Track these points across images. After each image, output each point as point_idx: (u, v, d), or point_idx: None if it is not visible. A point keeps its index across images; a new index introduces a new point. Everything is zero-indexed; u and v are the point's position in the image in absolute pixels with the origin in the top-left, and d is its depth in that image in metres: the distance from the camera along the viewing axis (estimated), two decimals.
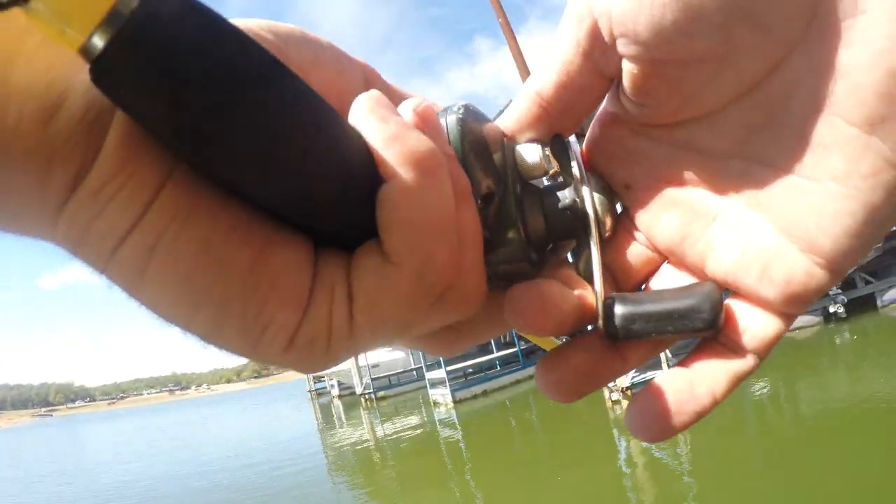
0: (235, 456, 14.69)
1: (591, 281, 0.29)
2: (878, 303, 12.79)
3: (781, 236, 0.27)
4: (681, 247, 0.31)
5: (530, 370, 17.88)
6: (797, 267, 0.26)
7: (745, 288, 0.29)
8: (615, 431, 8.75)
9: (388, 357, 26.41)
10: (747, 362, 0.29)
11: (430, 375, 17.28)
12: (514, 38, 10.57)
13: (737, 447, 6.51)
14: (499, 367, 17.97)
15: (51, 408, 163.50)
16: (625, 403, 9.41)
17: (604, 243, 0.31)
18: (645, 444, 7.47)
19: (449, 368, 15.90)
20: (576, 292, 0.29)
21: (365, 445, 13.29)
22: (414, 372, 25.63)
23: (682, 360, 0.31)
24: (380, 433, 14.28)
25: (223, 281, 0.23)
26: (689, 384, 0.29)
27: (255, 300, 0.23)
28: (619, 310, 0.28)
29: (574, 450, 8.41)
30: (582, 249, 0.31)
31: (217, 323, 0.23)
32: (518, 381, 17.32)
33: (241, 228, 0.23)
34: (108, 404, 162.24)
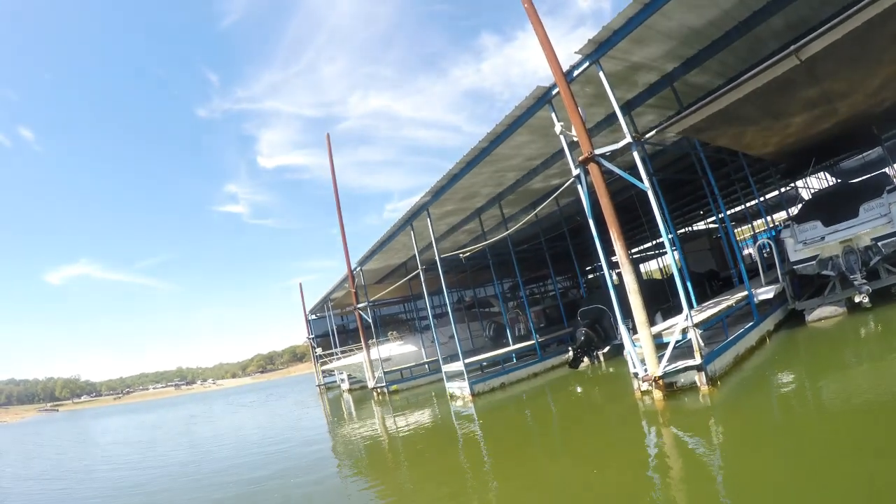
0: (242, 450, 14.67)
1: None
2: None
3: None
4: None
5: (548, 362, 17.84)
6: None
7: None
8: (644, 423, 8.65)
9: (399, 351, 26.44)
10: None
11: (446, 368, 17.16)
12: (541, 22, 10.45)
13: (763, 438, 6.40)
14: (515, 360, 17.85)
15: (56, 402, 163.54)
16: (656, 394, 9.28)
17: None
18: (675, 434, 7.41)
19: (466, 361, 15.80)
20: None
21: (378, 439, 13.25)
22: (426, 366, 25.65)
23: None
24: (395, 426, 14.20)
25: None
26: None
27: None
28: None
29: (599, 442, 8.24)
30: None
31: None
32: (535, 374, 17.29)
33: None
34: (114, 399, 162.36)
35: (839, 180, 20.45)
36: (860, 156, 19.81)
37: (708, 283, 22.34)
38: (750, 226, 25.20)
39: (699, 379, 9.12)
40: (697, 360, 9.09)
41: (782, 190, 27.16)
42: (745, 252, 27.93)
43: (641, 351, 9.59)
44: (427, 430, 12.82)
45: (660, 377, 9.20)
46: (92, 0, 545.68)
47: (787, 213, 32.62)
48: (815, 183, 31.06)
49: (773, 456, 5.58)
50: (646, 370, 9.53)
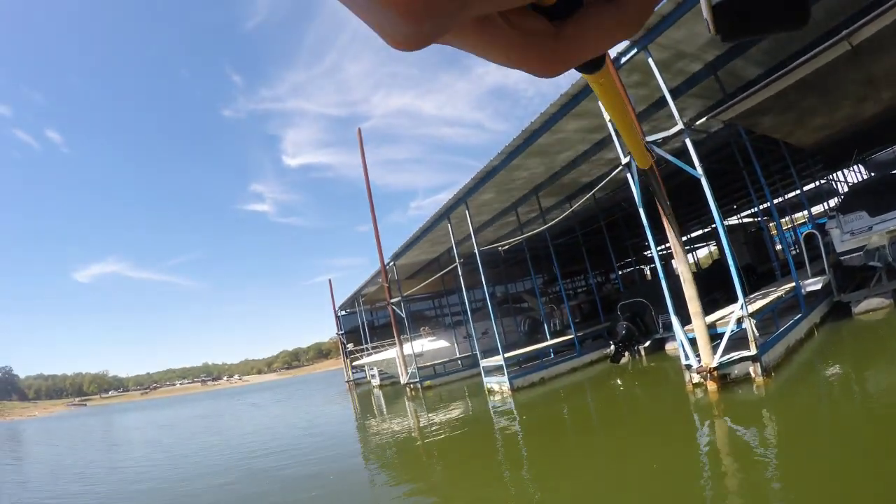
0: (271, 445, 14.67)
1: None
2: None
3: None
4: None
5: (586, 357, 17.72)
6: None
7: None
8: (701, 417, 8.51)
9: (431, 346, 26.41)
10: None
11: (484, 363, 17.10)
12: None
13: (823, 432, 6.29)
14: (552, 356, 17.75)
15: (85, 397, 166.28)
16: (710, 386, 9.15)
17: None
18: (735, 428, 7.29)
19: (506, 356, 15.72)
20: None
21: (412, 435, 13.12)
22: (459, 361, 25.60)
23: None
24: (438, 422, 14.05)
25: None
26: None
27: None
28: None
29: (656, 437, 8.01)
30: None
31: None
32: (574, 369, 17.16)
33: None
34: (141, 394, 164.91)
35: (872, 173, 20.16)
36: (890, 148, 19.46)
37: (745, 278, 22.07)
38: (788, 218, 24.84)
39: (754, 370, 8.98)
40: (753, 351, 8.95)
41: (818, 183, 26.84)
42: (778, 247, 27.61)
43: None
44: (474, 426, 12.70)
45: (714, 368, 9.06)
46: (118, 5, 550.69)
47: (825, 207, 32.40)
48: (848, 177, 30.49)
49: (833, 449, 5.48)
50: (699, 362, 9.39)
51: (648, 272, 37.60)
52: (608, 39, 0.41)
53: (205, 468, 12.58)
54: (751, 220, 33.92)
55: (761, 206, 20.28)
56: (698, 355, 9.47)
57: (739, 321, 9.28)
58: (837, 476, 4.78)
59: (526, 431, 10.61)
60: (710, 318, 10.23)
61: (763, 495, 4.81)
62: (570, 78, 11.80)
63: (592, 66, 0.55)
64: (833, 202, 31.13)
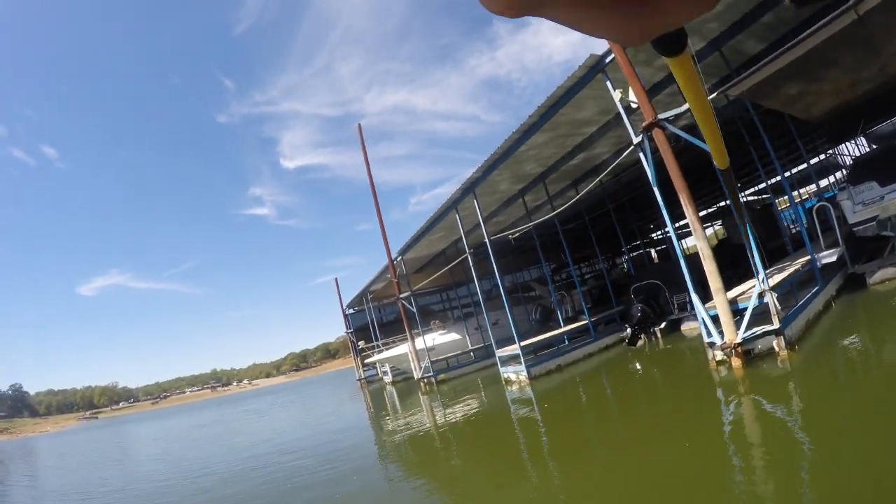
0: (284, 445, 14.69)
1: None
2: None
3: None
4: None
5: (601, 342, 17.68)
6: None
7: None
8: (720, 393, 8.46)
9: (443, 340, 26.34)
10: None
11: (500, 353, 17.04)
12: None
13: (839, 402, 6.29)
14: (566, 342, 17.70)
15: (96, 410, 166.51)
16: (734, 362, 9.08)
17: None
18: (764, 403, 7.23)
19: (522, 344, 15.66)
20: None
21: (430, 430, 12.99)
22: (472, 353, 25.56)
23: None
24: (448, 416, 13.98)
25: None
26: None
27: None
28: None
29: (684, 417, 7.91)
30: None
31: None
32: (590, 355, 17.10)
33: None
34: (152, 404, 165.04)
35: (874, 146, 20.12)
36: (889, 121, 19.40)
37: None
38: (796, 193, 24.76)
39: (777, 344, 8.93)
40: (776, 325, 8.90)
41: (820, 157, 26.76)
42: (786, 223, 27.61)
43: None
44: (497, 417, 12.58)
45: (739, 344, 9.00)
46: (106, 13, 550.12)
47: (829, 181, 32.30)
48: (852, 150, 30.41)
49: (863, 420, 5.43)
50: (722, 338, 9.34)
51: (655, 255, 37.46)
52: (690, 8, 0.42)
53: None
54: (754, 197, 33.77)
55: (770, 182, 20.19)
56: (721, 332, 9.41)
57: (761, 295, 9.22)
58: (867, 447, 4.73)
59: (551, 419, 10.54)
60: (731, 295, 10.17)
61: (799, 471, 4.75)
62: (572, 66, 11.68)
63: (674, 45, 0.56)
64: (837, 176, 31.17)
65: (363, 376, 39.69)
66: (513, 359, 16.38)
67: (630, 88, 10.02)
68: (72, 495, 13.63)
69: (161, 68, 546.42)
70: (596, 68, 11.28)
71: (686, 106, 9.57)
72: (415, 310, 25.03)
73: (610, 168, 13.60)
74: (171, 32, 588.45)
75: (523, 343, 15.85)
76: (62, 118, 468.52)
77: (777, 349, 8.93)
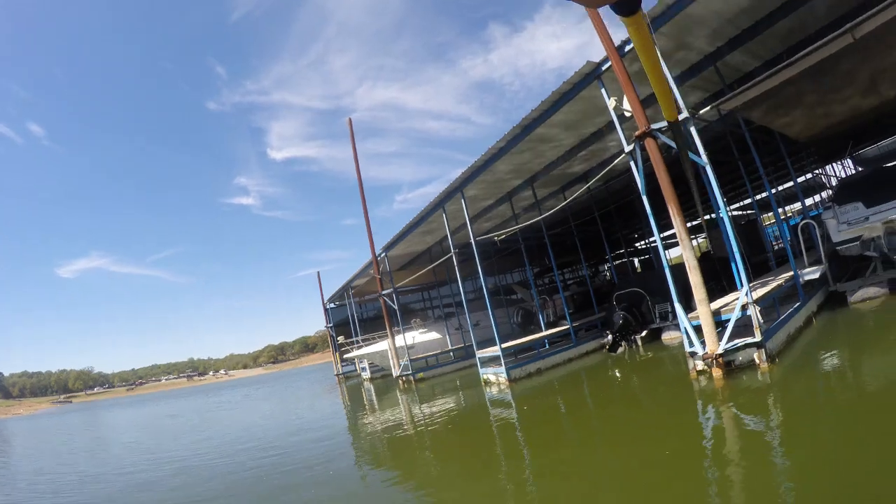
0: (258, 440, 14.47)
1: None
2: None
3: None
4: None
5: (582, 347, 17.73)
6: None
7: None
8: (699, 404, 8.50)
9: (423, 338, 26.36)
10: None
11: (480, 354, 17.06)
12: None
13: (818, 416, 6.35)
14: (547, 346, 17.76)
15: (70, 394, 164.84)
16: (715, 373, 9.12)
17: None
18: (742, 416, 7.26)
19: (503, 346, 15.68)
20: None
21: (407, 429, 12.83)
22: (451, 353, 25.57)
23: None
24: (426, 414, 13.89)
25: None
26: None
27: None
28: None
29: (665, 426, 7.85)
30: None
31: None
32: (570, 360, 17.09)
33: None
34: (127, 390, 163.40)
35: (859, 168, 20.47)
36: (875, 144, 19.70)
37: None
38: (781, 210, 25.02)
39: (758, 356, 8.98)
40: (757, 338, 8.94)
41: (806, 177, 27.09)
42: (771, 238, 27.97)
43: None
44: (476, 417, 12.58)
45: (720, 355, 9.05)
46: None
47: (814, 200, 32.65)
48: (836, 171, 30.84)
49: (840, 434, 5.45)
50: (704, 348, 9.39)
51: (638, 264, 37.71)
52: None
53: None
54: (739, 212, 34.08)
55: (757, 197, 20.39)
56: (703, 342, 9.46)
57: (744, 308, 9.29)
58: (844, 459, 4.76)
59: (530, 422, 10.51)
60: (714, 306, 10.23)
61: (776, 481, 4.76)
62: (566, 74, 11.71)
63: (630, 4, 0.60)
64: (821, 196, 31.58)
65: (341, 372, 39.61)
66: (493, 360, 16.38)
67: (624, 97, 10.05)
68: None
69: (154, 53, 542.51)
70: (592, 75, 11.33)
71: (682, 116, 9.64)
72: (396, 307, 24.98)
73: (604, 171, 13.62)
74: (167, 19, 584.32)
75: (504, 345, 15.85)
76: (51, 97, 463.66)
77: (758, 361, 8.98)
